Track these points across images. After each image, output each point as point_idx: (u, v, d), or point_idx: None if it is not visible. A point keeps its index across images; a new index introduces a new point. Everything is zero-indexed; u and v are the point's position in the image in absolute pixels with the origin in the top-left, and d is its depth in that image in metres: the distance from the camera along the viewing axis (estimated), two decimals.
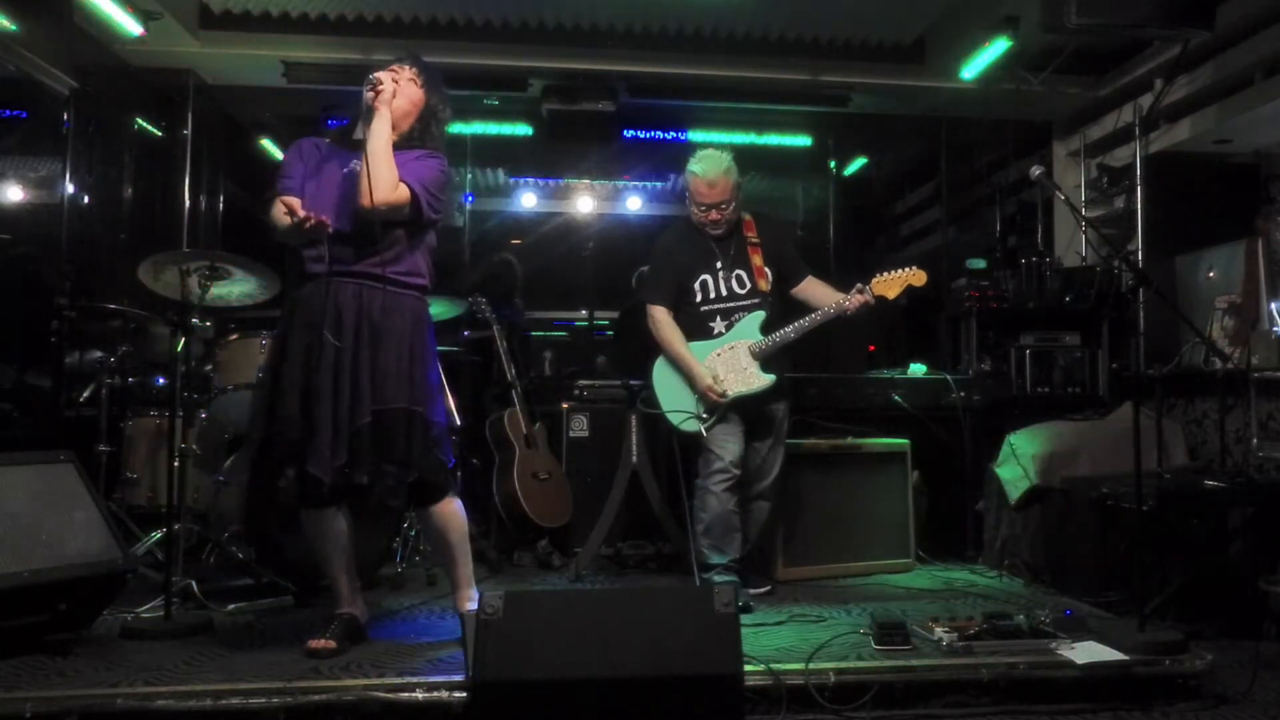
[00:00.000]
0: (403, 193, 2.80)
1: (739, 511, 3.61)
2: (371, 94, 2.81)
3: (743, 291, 3.65)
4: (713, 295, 3.66)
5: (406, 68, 2.96)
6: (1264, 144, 4.90)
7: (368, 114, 2.84)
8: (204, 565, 3.62)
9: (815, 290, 3.71)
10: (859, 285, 3.53)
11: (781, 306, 3.70)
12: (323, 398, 2.73)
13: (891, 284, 3.52)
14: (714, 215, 3.64)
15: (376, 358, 2.78)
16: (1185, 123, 4.81)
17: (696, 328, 3.65)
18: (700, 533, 3.60)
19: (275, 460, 2.79)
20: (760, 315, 3.61)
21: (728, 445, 3.55)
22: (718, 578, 3.45)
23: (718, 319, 3.64)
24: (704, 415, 3.54)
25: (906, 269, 3.54)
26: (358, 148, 2.87)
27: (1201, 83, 4.63)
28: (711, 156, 3.64)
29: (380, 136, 2.79)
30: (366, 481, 2.75)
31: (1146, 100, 4.93)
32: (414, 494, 2.89)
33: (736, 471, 3.55)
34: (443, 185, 2.93)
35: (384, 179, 2.76)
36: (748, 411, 3.61)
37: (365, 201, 2.74)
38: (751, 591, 3.63)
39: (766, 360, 3.57)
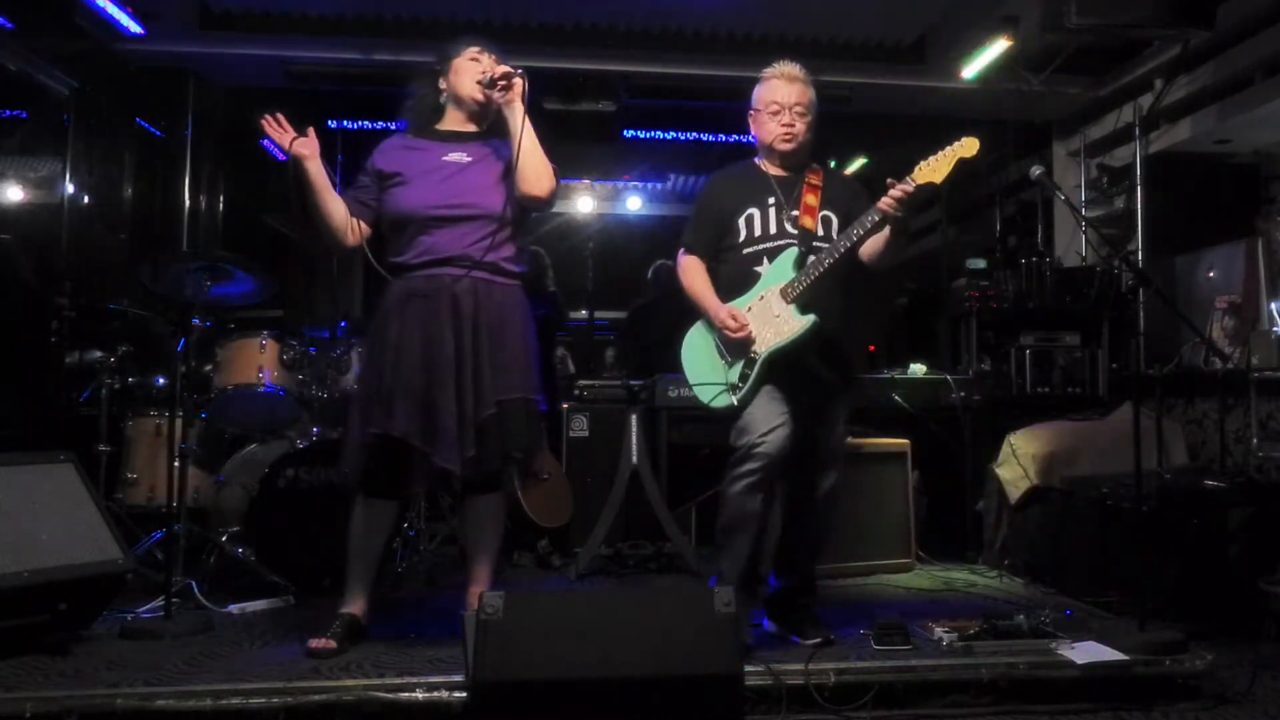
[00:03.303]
0: (554, 178, 2.89)
1: (766, 510, 2.94)
2: (509, 92, 2.82)
3: (794, 232, 3.00)
4: (758, 233, 3.01)
5: (487, 55, 2.96)
6: (1264, 144, 4.90)
7: (478, 104, 2.91)
8: (204, 565, 3.62)
9: (877, 241, 2.97)
10: (890, 179, 2.81)
11: (851, 278, 3.07)
12: (447, 392, 2.76)
13: (938, 166, 2.79)
14: (787, 121, 3.01)
15: (498, 350, 2.82)
16: (1185, 123, 4.81)
17: (740, 276, 3.01)
18: (720, 529, 2.99)
19: (388, 456, 2.80)
20: (793, 252, 2.95)
21: (767, 427, 2.84)
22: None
23: (764, 261, 2.99)
24: (737, 383, 2.91)
25: (954, 144, 2.80)
26: (448, 139, 2.95)
27: (1201, 83, 4.64)
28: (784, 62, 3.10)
29: (530, 128, 2.83)
30: (496, 468, 2.88)
31: (1146, 100, 4.94)
32: (485, 480, 2.96)
33: (773, 459, 2.83)
34: None
35: (544, 169, 2.84)
36: (794, 381, 2.93)
37: (538, 192, 2.83)
38: (802, 642, 2.91)
39: (805, 303, 2.89)
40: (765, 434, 2.85)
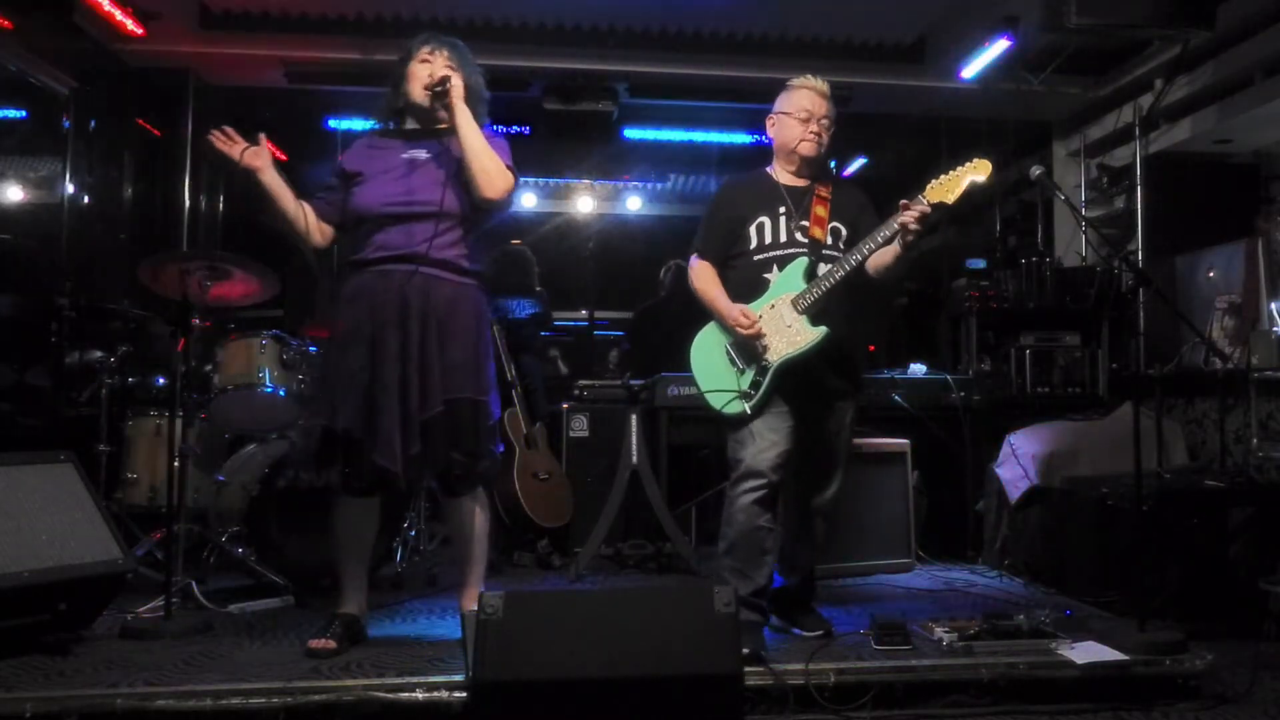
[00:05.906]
0: (510, 178, 2.86)
1: (773, 528, 2.96)
2: (447, 98, 2.80)
3: (804, 241, 3.04)
4: (768, 240, 3.06)
5: (439, 53, 2.96)
6: (1264, 144, 4.91)
7: (429, 109, 2.88)
8: (204, 565, 3.62)
9: (886, 255, 3.00)
10: (903, 201, 2.86)
11: (856, 288, 3.06)
12: (389, 388, 2.74)
13: (949, 186, 2.86)
14: (813, 130, 3.06)
15: (446, 348, 2.79)
16: (1185, 123, 4.81)
17: (750, 281, 3.05)
18: (722, 551, 2.99)
19: (336, 449, 2.79)
20: (804, 262, 2.99)
21: (765, 444, 2.92)
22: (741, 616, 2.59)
23: (774, 269, 3.04)
24: (750, 391, 2.93)
25: (966, 163, 2.89)
26: (411, 137, 2.95)
27: (1201, 83, 4.64)
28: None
29: (475, 130, 2.81)
30: (438, 470, 2.81)
31: (1146, 100, 4.94)
32: (453, 483, 2.92)
33: (773, 478, 2.91)
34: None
35: (495, 170, 2.81)
36: (802, 388, 2.98)
37: (490, 194, 2.80)
38: (803, 634, 3.06)
39: (816, 314, 2.94)
40: (768, 449, 2.92)
